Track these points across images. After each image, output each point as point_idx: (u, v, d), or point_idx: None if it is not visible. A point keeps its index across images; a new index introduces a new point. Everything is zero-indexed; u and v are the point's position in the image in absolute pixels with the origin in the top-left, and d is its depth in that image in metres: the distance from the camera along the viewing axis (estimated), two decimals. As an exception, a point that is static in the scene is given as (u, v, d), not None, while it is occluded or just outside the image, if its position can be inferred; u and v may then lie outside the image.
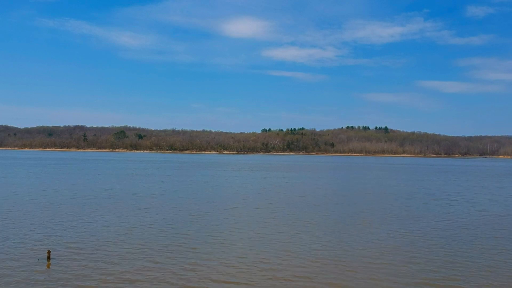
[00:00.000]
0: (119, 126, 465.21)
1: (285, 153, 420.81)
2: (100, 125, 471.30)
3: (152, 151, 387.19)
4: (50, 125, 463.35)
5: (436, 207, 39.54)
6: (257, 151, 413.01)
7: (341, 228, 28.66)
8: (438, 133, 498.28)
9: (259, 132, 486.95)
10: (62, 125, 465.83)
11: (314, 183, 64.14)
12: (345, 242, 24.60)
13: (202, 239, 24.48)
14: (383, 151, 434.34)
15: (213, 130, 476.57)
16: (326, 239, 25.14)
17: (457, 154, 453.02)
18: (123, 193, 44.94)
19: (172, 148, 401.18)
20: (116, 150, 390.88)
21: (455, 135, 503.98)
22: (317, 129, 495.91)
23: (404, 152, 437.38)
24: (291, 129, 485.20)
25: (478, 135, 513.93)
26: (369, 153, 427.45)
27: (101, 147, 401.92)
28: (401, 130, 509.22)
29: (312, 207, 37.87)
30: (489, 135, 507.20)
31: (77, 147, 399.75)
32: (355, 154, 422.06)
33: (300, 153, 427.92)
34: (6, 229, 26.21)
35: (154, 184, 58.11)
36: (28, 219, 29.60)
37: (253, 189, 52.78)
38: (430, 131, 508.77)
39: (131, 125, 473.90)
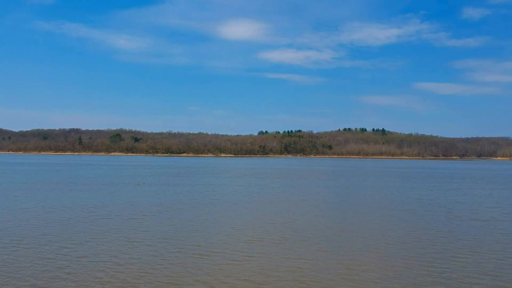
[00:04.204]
0: (115, 129, 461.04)
1: (282, 155, 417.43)
2: (95, 128, 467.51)
3: (148, 154, 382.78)
4: (45, 128, 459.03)
5: (499, 234, 33.09)
6: (254, 154, 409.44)
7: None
8: (435, 135, 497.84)
9: (256, 134, 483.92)
10: (57, 128, 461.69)
11: (336, 195, 59.42)
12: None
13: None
14: (381, 153, 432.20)
15: (209, 133, 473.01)
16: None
17: (455, 156, 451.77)
18: (113, 214, 40.85)
19: (168, 151, 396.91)
20: (112, 154, 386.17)
21: (452, 137, 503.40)
22: (314, 132, 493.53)
23: (402, 154, 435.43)
24: (288, 131, 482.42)
25: (475, 136, 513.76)
26: (367, 155, 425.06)
27: (97, 150, 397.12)
28: (398, 132, 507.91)
29: (363, 242, 28.73)
30: (486, 136, 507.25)
31: (73, 150, 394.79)
32: (353, 156, 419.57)
33: (298, 155, 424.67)
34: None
35: (149, 198, 53.94)
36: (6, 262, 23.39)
37: (268, 206, 47.34)
38: (427, 133, 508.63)
39: (127, 128, 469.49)
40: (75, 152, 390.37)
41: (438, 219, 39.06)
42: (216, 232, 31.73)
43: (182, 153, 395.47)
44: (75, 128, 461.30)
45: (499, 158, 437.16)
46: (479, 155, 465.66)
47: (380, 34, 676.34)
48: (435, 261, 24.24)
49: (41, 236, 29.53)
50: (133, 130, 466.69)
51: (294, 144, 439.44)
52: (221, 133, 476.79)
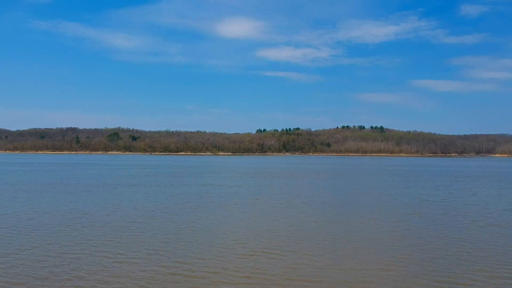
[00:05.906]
0: (112, 127, 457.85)
1: (281, 153, 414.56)
2: (93, 127, 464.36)
3: (146, 153, 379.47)
4: (43, 127, 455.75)
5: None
6: (252, 152, 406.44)
7: None
8: (433, 132, 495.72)
9: (254, 132, 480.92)
10: (54, 127, 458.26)
11: (339, 196, 55.86)
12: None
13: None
14: (379, 151, 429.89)
15: (207, 131, 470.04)
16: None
17: (454, 153, 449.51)
18: (98, 221, 37.57)
19: (166, 149, 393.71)
20: (110, 153, 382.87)
21: (451, 134, 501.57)
22: (313, 129, 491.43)
23: (401, 151, 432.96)
24: (287, 129, 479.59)
25: (473, 133, 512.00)
26: (365, 153, 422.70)
27: (94, 149, 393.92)
28: (396, 129, 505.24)
29: (375, 256, 25.01)
30: (484, 133, 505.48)
31: (70, 149, 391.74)
32: (351, 154, 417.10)
33: (296, 153, 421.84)
34: None
35: (141, 202, 50.57)
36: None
37: (268, 209, 43.79)
38: (425, 130, 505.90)
39: (124, 126, 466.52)
40: (72, 151, 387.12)
41: (455, 224, 35.79)
42: (209, 244, 28.35)
43: (180, 151, 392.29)
44: (73, 127, 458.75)
45: (497, 155, 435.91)
46: (478, 152, 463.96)
47: (377, 31, 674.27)
48: (463, 280, 21.07)
49: (14, 249, 26.27)
50: (131, 129, 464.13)
51: (292, 142, 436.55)
52: (219, 132, 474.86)
